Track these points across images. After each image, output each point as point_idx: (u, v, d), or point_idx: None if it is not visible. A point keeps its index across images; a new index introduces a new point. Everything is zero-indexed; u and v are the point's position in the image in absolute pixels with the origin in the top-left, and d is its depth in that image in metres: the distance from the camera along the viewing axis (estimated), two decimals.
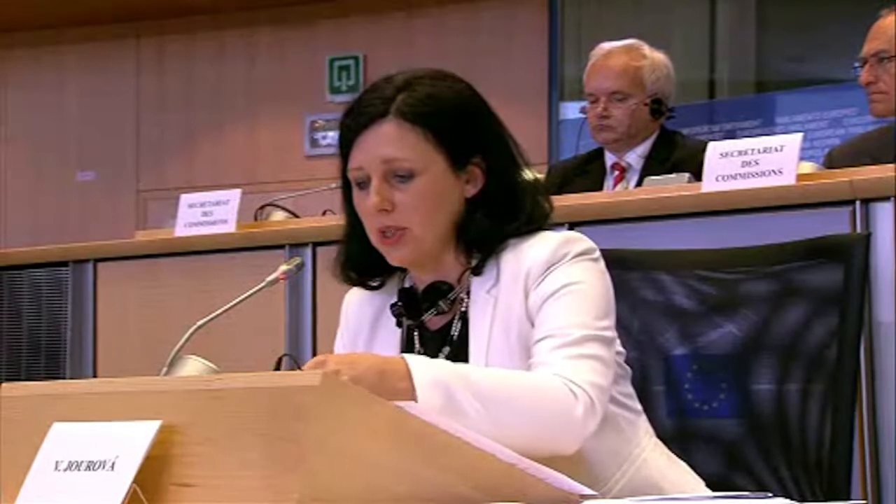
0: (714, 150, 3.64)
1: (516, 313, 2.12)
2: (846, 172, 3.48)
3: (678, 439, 2.45)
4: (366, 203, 2.13)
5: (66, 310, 4.78)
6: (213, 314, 2.63)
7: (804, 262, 2.42)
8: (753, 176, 3.53)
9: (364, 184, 2.14)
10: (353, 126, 2.15)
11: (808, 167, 3.61)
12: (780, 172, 3.50)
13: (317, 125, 9.27)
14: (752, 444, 2.45)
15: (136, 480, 1.53)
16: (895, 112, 3.96)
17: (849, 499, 2.29)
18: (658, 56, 4.54)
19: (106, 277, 4.73)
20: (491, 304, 2.14)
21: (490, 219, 2.17)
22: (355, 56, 9.21)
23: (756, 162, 3.54)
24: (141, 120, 9.70)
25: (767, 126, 7.64)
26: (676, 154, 4.43)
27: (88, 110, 9.73)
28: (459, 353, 2.14)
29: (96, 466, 1.56)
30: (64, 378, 4.62)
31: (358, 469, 1.52)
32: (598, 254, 2.16)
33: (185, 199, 4.55)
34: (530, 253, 2.13)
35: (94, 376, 4.66)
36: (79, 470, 1.57)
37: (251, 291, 2.58)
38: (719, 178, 3.58)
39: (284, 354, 2.03)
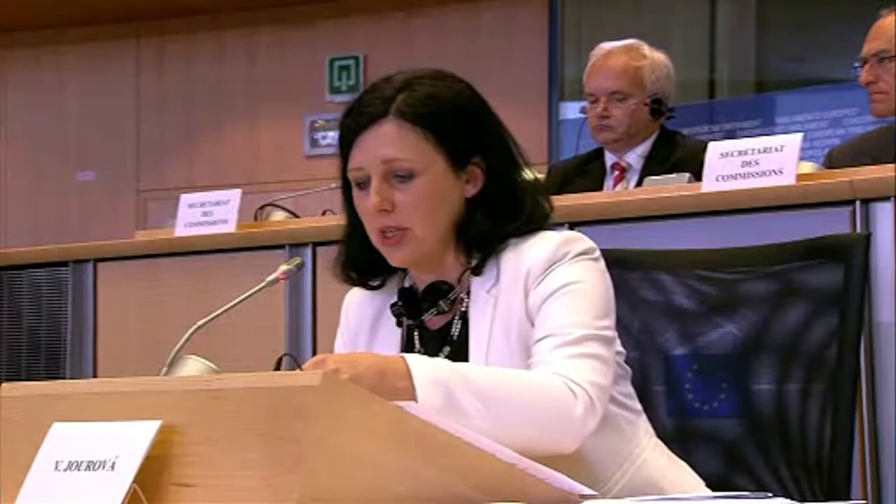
0: (714, 150, 3.64)
1: (516, 313, 2.12)
2: (846, 172, 3.48)
3: (678, 439, 2.45)
4: (366, 203, 2.13)
5: (66, 310, 4.78)
6: (214, 314, 2.63)
7: (804, 262, 2.42)
8: (753, 176, 3.53)
9: (364, 184, 2.14)
10: (353, 126, 2.16)
11: (808, 167, 3.61)
12: (780, 172, 3.50)
13: (317, 125, 9.27)
14: (753, 444, 2.45)
15: (136, 480, 1.53)
16: (895, 112, 3.96)
17: (849, 499, 2.29)
18: (658, 56, 4.54)
19: (106, 277, 4.73)
20: (491, 304, 2.14)
21: (490, 219, 2.17)
22: (355, 56, 9.21)
23: (756, 162, 3.54)
24: (141, 120, 9.70)
25: (767, 126, 7.64)
26: (676, 154, 4.43)
27: (88, 110, 9.73)
28: (459, 352, 2.14)
29: (96, 466, 1.56)
30: (64, 378, 4.62)
31: (358, 469, 1.52)
32: (598, 253, 2.16)
33: (185, 199, 4.55)
34: (530, 253, 2.14)
35: (94, 376, 4.66)
36: (79, 470, 1.57)
37: (251, 291, 2.58)
38: (719, 178, 3.58)
39: (285, 354, 2.03)
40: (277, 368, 2.01)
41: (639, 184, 4.31)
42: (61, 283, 4.79)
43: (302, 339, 4.29)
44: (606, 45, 4.58)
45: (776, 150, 3.54)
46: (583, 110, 4.58)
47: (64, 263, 4.80)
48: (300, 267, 2.65)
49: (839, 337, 2.34)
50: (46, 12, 9.34)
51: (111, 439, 1.57)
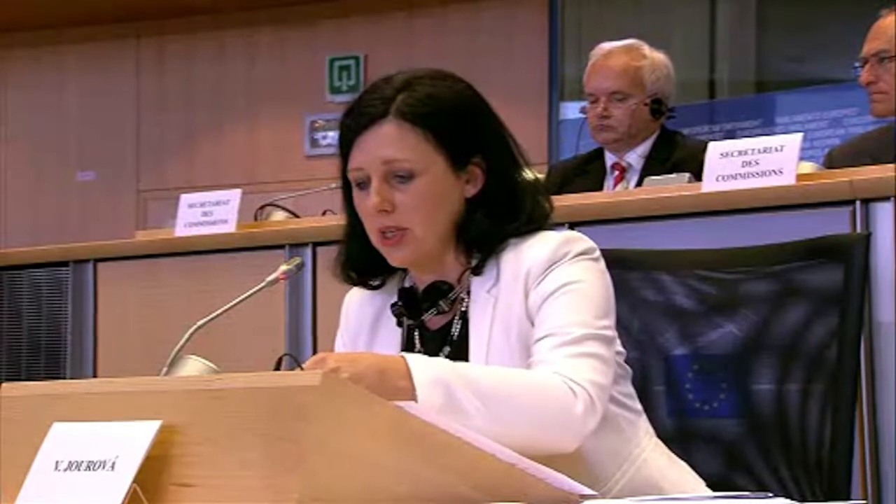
0: (714, 150, 3.64)
1: (516, 313, 2.12)
2: (846, 172, 3.48)
3: (678, 439, 2.45)
4: (366, 203, 2.13)
5: (66, 310, 4.78)
6: (214, 314, 2.63)
7: (804, 262, 2.42)
8: (753, 176, 3.53)
9: (364, 184, 2.14)
10: (353, 126, 2.15)
11: (808, 167, 3.61)
12: (781, 172, 3.50)
13: (317, 125, 9.27)
14: (753, 444, 2.45)
15: (136, 480, 1.53)
16: (895, 112, 3.96)
17: (849, 499, 2.29)
18: (658, 56, 4.54)
19: (106, 277, 4.73)
20: (491, 304, 2.14)
21: (490, 219, 2.17)
22: (356, 56, 9.21)
23: (756, 162, 3.54)
24: (141, 120, 9.70)
25: (767, 126, 7.64)
26: (677, 154, 4.43)
27: (88, 110, 9.73)
28: (459, 352, 2.14)
29: (96, 466, 1.56)
30: (64, 378, 4.62)
31: (358, 469, 1.52)
32: (598, 253, 2.16)
33: (185, 199, 4.55)
34: (530, 253, 2.14)
35: (95, 376, 4.66)
36: (79, 470, 1.57)
37: (251, 291, 2.58)
38: (719, 178, 3.58)
39: (285, 354, 2.03)
40: (277, 368, 2.01)
41: (639, 184, 4.30)
42: (61, 283, 4.79)
43: (302, 339, 4.29)
44: (606, 45, 4.58)
45: (776, 150, 3.54)
46: (583, 110, 4.58)
47: (64, 263, 4.80)
48: (300, 267, 2.65)
49: (839, 337, 2.34)
50: (46, 12, 9.34)
51: (111, 439, 1.57)
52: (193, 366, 2.63)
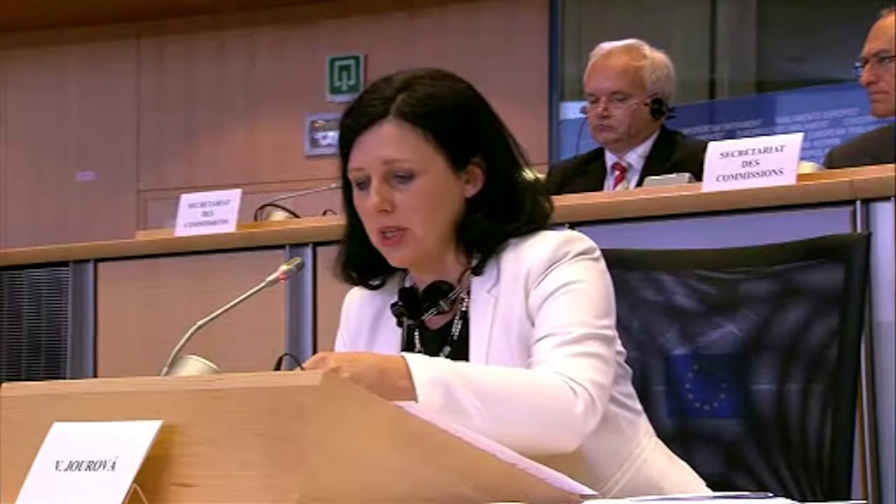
0: (714, 150, 3.64)
1: (517, 313, 2.12)
2: (846, 172, 3.48)
3: (678, 439, 2.45)
4: (366, 204, 2.13)
5: (66, 310, 4.78)
6: (214, 314, 2.63)
7: (804, 262, 2.42)
8: (754, 176, 3.53)
9: (364, 184, 2.14)
10: (353, 126, 2.15)
11: (808, 167, 3.60)
12: (781, 172, 3.50)
13: (317, 125, 9.27)
14: (753, 444, 2.45)
15: (136, 480, 1.53)
16: (895, 112, 3.96)
17: (849, 499, 2.29)
18: (658, 56, 4.54)
19: (106, 277, 4.73)
20: (491, 304, 2.14)
21: (490, 219, 2.17)
22: (356, 56, 9.21)
23: (756, 162, 3.54)
24: (141, 120, 9.70)
25: (768, 126, 7.64)
26: (677, 154, 4.43)
27: (88, 110, 9.73)
28: (460, 352, 2.14)
29: (97, 466, 1.56)
30: (64, 378, 4.62)
31: (358, 469, 1.52)
32: (598, 253, 2.16)
33: (186, 199, 4.55)
34: (531, 252, 2.14)
35: (95, 376, 4.66)
36: (79, 470, 1.57)
37: (251, 291, 2.58)
38: (720, 178, 3.58)
39: (285, 354, 2.03)
40: (278, 368, 2.01)
41: (639, 184, 4.30)
42: (61, 283, 4.79)
43: (302, 339, 4.29)
44: (607, 45, 4.58)
45: (776, 150, 3.54)
46: (583, 110, 4.58)
47: (64, 263, 4.80)
48: (300, 267, 2.65)
49: (839, 337, 2.34)
50: (46, 12, 9.34)
51: (111, 439, 1.57)
52: (194, 366, 2.62)
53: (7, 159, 9.93)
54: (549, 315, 2.08)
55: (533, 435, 1.93)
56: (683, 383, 2.53)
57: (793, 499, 1.68)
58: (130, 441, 1.55)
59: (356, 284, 2.28)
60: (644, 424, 2.23)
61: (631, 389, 2.23)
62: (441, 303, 2.18)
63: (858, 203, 3.33)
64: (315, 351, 4.22)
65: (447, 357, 2.10)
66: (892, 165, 3.37)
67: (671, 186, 3.76)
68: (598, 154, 4.58)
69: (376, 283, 2.27)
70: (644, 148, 4.49)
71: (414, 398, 1.86)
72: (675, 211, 3.61)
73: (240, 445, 1.51)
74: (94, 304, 4.73)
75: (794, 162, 3.50)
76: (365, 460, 1.52)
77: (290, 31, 9.30)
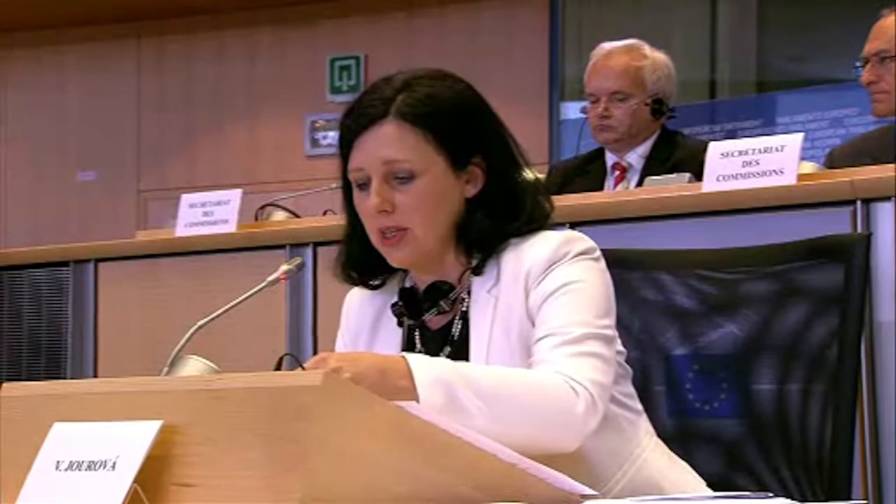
0: (715, 150, 3.64)
1: (517, 313, 2.12)
2: (847, 172, 3.48)
3: (679, 439, 2.45)
4: (366, 204, 2.13)
5: (66, 310, 4.78)
6: (214, 314, 2.63)
7: (805, 262, 2.42)
8: (754, 176, 3.53)
9: (364, 185, 2.14)
10: (353, 127, 2.15)
11: (808, 167, 3.60)
12: (781, 172, 3.50)
13: (317, 125, 9.27)
14: (753, 444, 2.45)
15: (136, 480, 1.53)
16: None
17: (849, 498, 2.29)
18: (659, 56, 4.54)
19: (107, 277, 4.73)
20: (492, 304, 2.14)
21: (490, 219, 2.17)
22: (356, 56, 9.21)
23: (757, 162, 3.54)
24: (141, 120, 9.70)
25: (768, 126, 7.64)
26: (677, 154, 4.43)
27: (89, 110, 9.73)
28: (460, 352, 2.14)
29: (97, 466, 1.56)
30: (64, 378, 4.62)
31: (358, 469, 1.52)
32: (598, 253, 2.16)
33: (186, 199, 4.55)
34: (531, 252, 2.14)
35: (95, 376, 4.66)
36: (80, 470, 1.57)
37: (252, 291, 2.58)
38: (720, 178, 3.58)
39: (285, 354, 2.03)
40: (278, 368, 2.01)
41: (639, 184, 4.30)
42: (62, 283, 4.79)
43: (303, 339, 4.29)
44: (607, 45, 4.58)
45: (777, 150, 3.54)
46: (583, 110, 4.58)
47: (64, 263, 4.80)
48: (301, 267, 2.65)
49: (840, 337, 2.34)
50: (46, 12, 9.34)
51: (112, 439, 1.57)
52: (194, 366, 2.62)
53: (7, 159, 9.93)
54: (549, 315, 2.08)
55: (534, 435, 1.93)
56: (684, 383, 2.53)
57: (793, 499, 1.68)
58: (131, 441, 1.55)
59: (356, 284, 2.28)
60: (644, 424, 2.23)
61: (631, 389, 2.23)
62: (441, 303, 2.18)
63: (859, 203, 3.33)
64: (315, 351, 4.23)
65: (447, 357, 2.10)
66: (892, 165, 3.37)
67: (671, 186, 3.76)
68: (599, 154, 4.58)
69: (376, 283, 2.27)
70: (644, 148, 4.49)
71: (415, 398, 1.86)
72: (675, 211, 3.61)
73: (240, 445, 1.51)
74: (94, 304, 4.73)
75: (794, 162, 3.50)
76: (365, 460, 1.52)
77: (291, 31, 9.30)
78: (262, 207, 4.64)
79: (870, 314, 3.20)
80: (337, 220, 2.31)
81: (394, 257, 2.16)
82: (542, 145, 8.36)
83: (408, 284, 2.24)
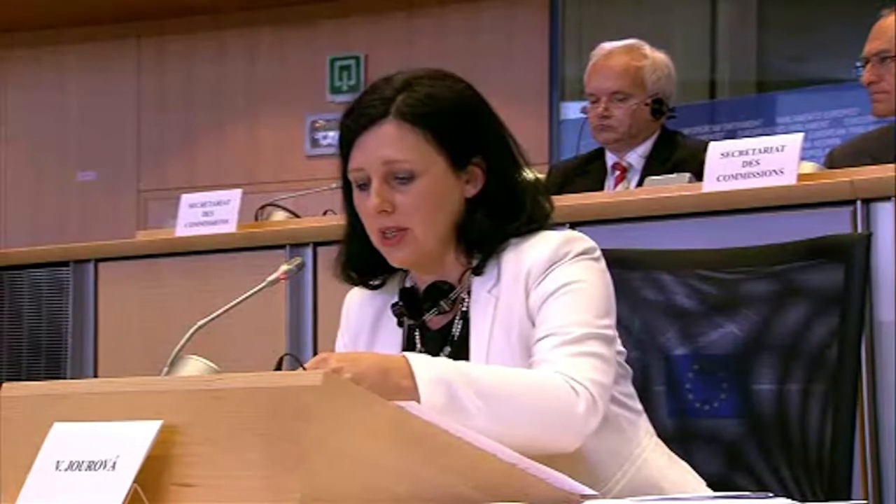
0: (715, 150, 3.64)
1: (517, 313, 2.12)
2: (847, 172, 3.48)
3: (679, 439, 2.45)
4: (366, 204, 2.13)
5: (66, 310, 4.78)
6: (214, 314, 2.63)
7: (805, 262, 2.42)
8: (754, 176, 3.53)
9: (364, 185, 2.14)
10: (353, 127, 2.15)
11: (808, 167, 3.60)
12: (781, 172, 3.50)
13: (317, 125, 9.27)
14: (753, 444, 2.45)
15: (136, 480, 1.53)
16: None
17: (849, 498, 2.29)
18: (659, 56, 4.54)
19: (107, 277, 4.73)
20: (492, 304, 2.14)
21: (490, 219, 2.17)
22: (356, 56, 9.21)
23: (757, 162, 3.54)
24: (141, 120, 9.70)
25: (768, 126, 7.64)
26: (677, 154, 4.43)
27: (89, 110, 9.73)
28: (460, 352, 2.14)
29: (97, 466, 1.56)
30: (64, 378, 4.62)
31: (358, 469, 1.52)
32: (598, 253, 2.16)
33: (186, 199, 4.55)
34: (531, 252, 2.13)
35: (95, 376, 4.66)
36: (80, 470, 1.57)
37: (252, 291, 2.58)
38: (720, 178, 3.58)
39: (286, 354, 2.03)
40: (279, 368, 2.01)
41: (640, 184, 4.30)
42: (62, 283, 4.79)
43: (303, 339, 4.29)
44: (607, 45, 4.58)
45: (777, 150, 3.54)
46: (583, 110, 4.58)
47: (64, 263, 4.80)
48: (301, 267, 2.65)
49: (840, 337, 2.34)
50: (46, 12, 9.34)
51: (112, 439, 1.57)
52: (194, 366, 2.63)
53: (7, 159, 9.93)
54: (549, 315, 2.08)
55: (534, 435, 1.93)
56: (684, 383, 2.53)
57: (793, 499, 1.68)
58: (131, 441, 1.55)
59: (356, 284, 2.28)
60: (644, 424, 2.23)
61: (631, 389, 2.23)
62: (441, 303, 2.18)
63: (859, 203, 3.33)
64: (315, 351, 4.23)
65: (448, 357, 2.10)
66: (892, 165, 3.37)
67: (671, 186, 3.76)
68: (599, 154, 4.58)
69: (376, 283, 2.27)
70: (644, 148, 4.49)
71: (416, 398, 1.86)
72: (675, 211, 3.61)
73: (240, 445, 1.51)
74: (94, 304, 4.73)
75: (794, 162, 3.50)
76: (365, 460, 1.52)
77: (291, 31, 9.30)
78: (262, 207, 4.64)
79: (870, 314, 3.20)
80: (337, 220, 2.31)
81: (394, 257, 2.16)
82: (542, 145, 8.36)
83: (408, 284, 2.24)
